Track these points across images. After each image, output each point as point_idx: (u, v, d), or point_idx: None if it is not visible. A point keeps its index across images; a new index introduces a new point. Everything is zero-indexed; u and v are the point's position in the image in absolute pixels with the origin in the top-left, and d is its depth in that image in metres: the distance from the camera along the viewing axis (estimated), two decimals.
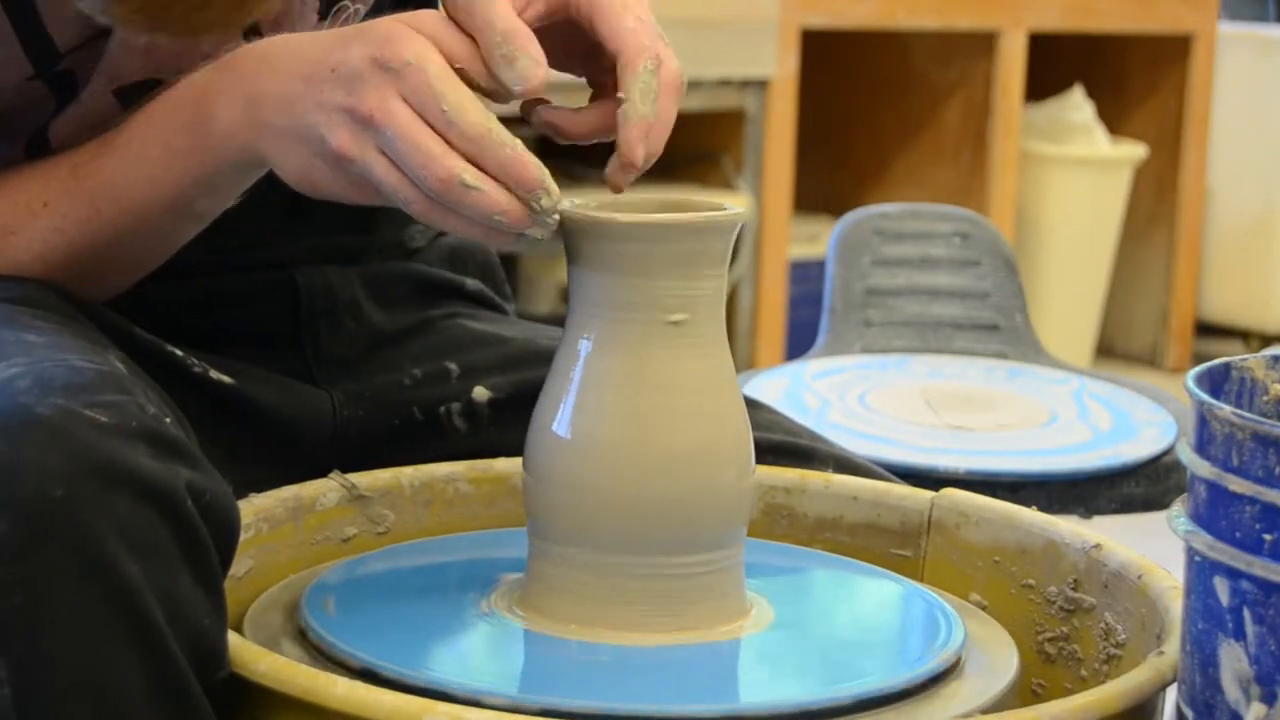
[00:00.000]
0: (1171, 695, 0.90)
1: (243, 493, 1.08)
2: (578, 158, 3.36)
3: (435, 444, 1.19)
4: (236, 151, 1.00)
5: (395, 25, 0.95)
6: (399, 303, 1.24)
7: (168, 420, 0.87)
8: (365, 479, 1.14)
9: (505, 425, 1.20)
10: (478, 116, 0.93)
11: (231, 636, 0.89)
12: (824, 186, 4.02)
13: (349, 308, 1.20)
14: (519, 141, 0.94)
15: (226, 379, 1.13)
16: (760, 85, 3.51)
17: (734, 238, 0.98)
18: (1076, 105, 4.06)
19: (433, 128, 0.93)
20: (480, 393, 1.20)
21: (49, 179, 1.05)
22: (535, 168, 0.94)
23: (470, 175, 0.93)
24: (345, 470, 1.14)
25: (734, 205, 0.98)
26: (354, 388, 1.18)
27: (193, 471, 0.85)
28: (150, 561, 0.82)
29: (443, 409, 1.20)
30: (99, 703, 0.81)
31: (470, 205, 0.93)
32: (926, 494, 1.15)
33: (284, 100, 0.97)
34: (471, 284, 1.30)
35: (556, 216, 0.95)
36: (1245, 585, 0.80)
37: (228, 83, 0.99)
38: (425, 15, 0.96)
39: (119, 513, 0.81)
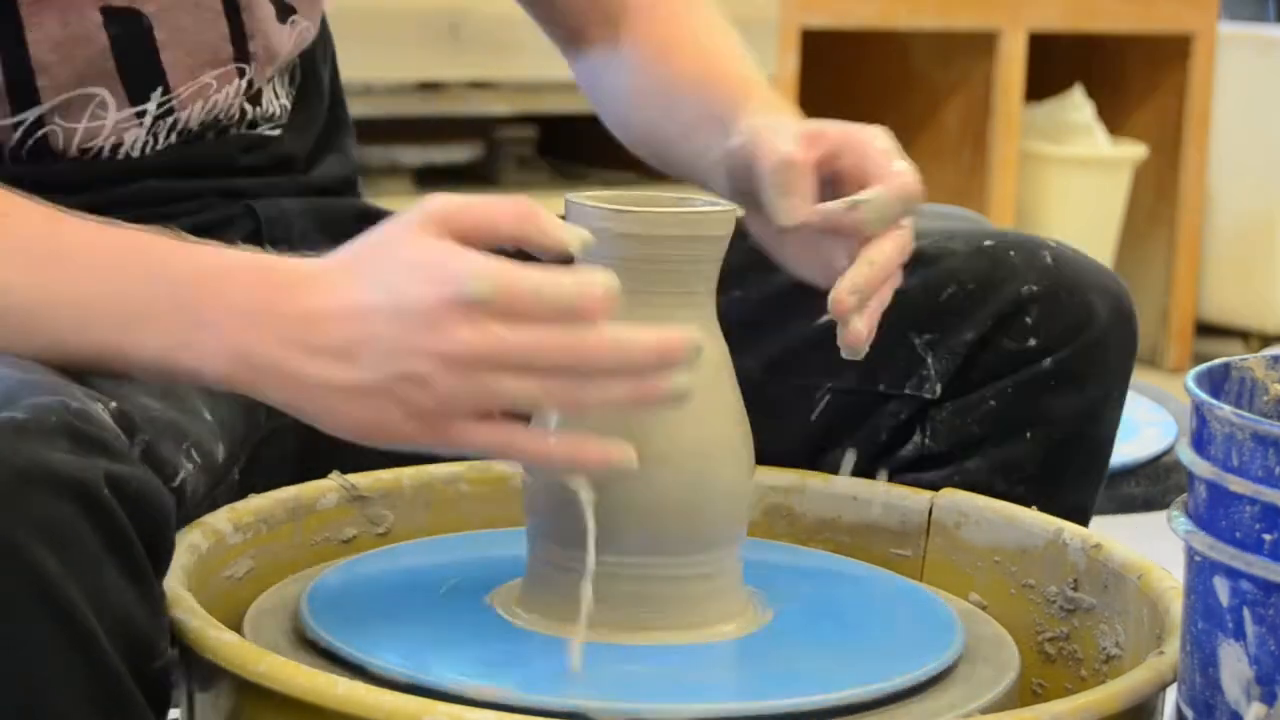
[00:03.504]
0: (1171, 695, 0.90)
1: (246, 412, 1.10)
2: (578, 158, 3.36)
3: None
4: (227, 384, 0.92)
5: (438, 250, 0.88)
6: (346, 236, 1.25)
7: (110, 405, 0.87)
8: (365, 479, 1.14)
9: None
10: (588, 283, 0.87)
11: (231, 636, 0.89)
12: None
13: (301, 238, 1.21)
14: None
15: None
16: None
17: (728, 236, 0.98)
18: (1076, 105, 4.06)
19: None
20: None
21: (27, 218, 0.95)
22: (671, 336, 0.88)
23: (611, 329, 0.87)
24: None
25: (727, 204, 0.98)
26: None
27: (115, 463, 0.84)
28: (69, 553, 0.82)
29: None
30: (26, 693, 0.81)
31: (625, 358, 0.87)
32: (926, 494, 1.15)
33: (362, 349, 0.88)
34: None
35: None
36: (1245, 585, 0.80)
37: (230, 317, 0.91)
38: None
39: (33, 507, 0.81)
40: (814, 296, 1.17)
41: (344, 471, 1.14)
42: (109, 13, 1.12)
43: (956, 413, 1.17)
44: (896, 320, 1.16)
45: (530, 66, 3.05)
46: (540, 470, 0.97)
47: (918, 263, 1.16)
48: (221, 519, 1.04)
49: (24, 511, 0.81)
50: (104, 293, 0.92)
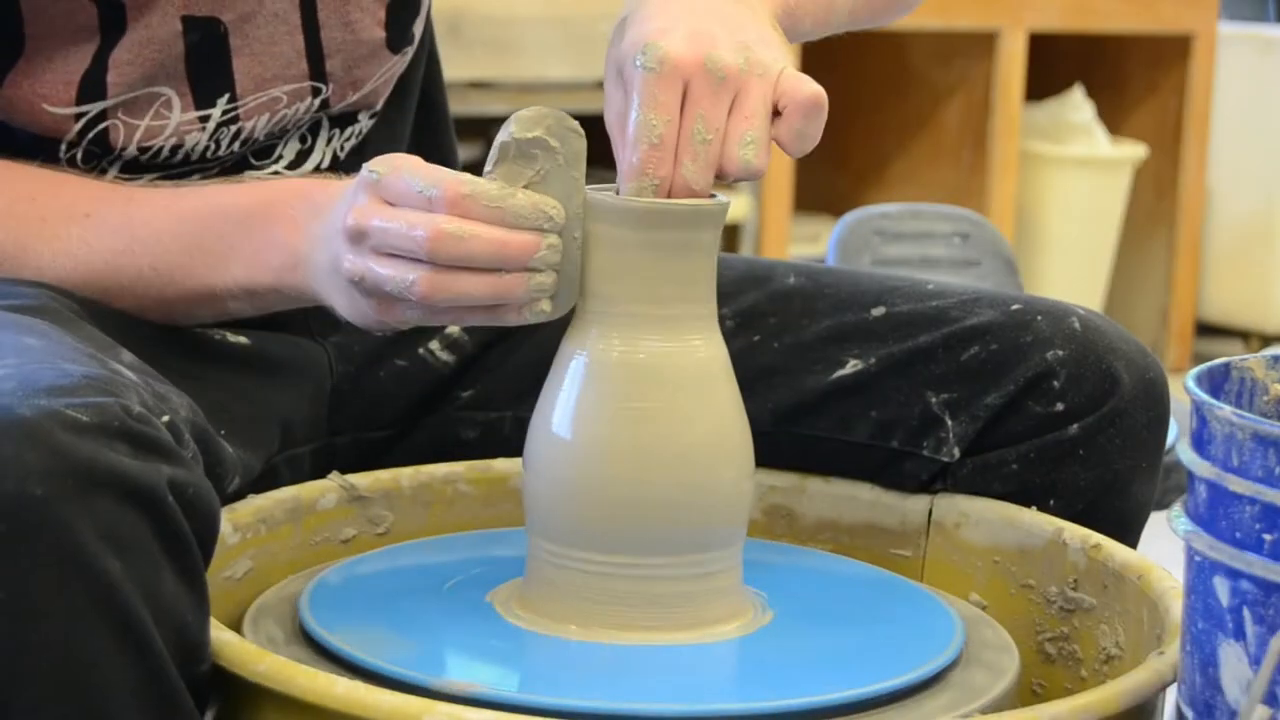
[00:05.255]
0: (1171, 695, 0.90)
1: (269, 429, 1.12)
2: None
3: (423, 381, 1.21)
4: (292, 289, 1.05)
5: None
6: None
7: (162, 418, 0.87)
8: (364, 480, 1.14)
9: (490, 348, 1.22)
10: (455, 182, 0.95)
11: (231, 636, 0.89)
12: (824, 186, 4.02)
13: None
14: (516, 191, 0.95)
15: (243, 339, 1.15)
16: None
17: (720, 229, 0.98)
18: (1076, 105, 4.06)
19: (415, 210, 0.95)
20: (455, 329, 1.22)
21: (99, 194, 1.09)
22: (529, 202, 0.95)
23: (455, 224, 0.93)
24: (355, 431, 1.15)
25: (722, 196, 0.98)
26: (342, 340, 1.20)
27: (175, 468, 0.85)
28: (131, 558, 0.82)
29: (421, 349, 1.21)
30: (83, 698, 0.81)
31: (467, 252, 0.93)
32: (926, 494, 1.15)
33: (320, 239, 1.01)
34: None
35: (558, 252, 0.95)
36: (1245, 585, 0.80)
37: (287, 216, 1.05)
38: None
39: (99, 511, 0.81)
40: (832, 349, 1.16)
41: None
42: (190, 20, 1.12)
43: (978, 471, 1.14)
44: (912, 376, 1.14)
45: (530, 66, 3.05)
46: (539, 469, 0.97)
47: (940, 321, 1.15)
48: (221, 519, 1.04)
49: (89, 512, 0.80)
50: (185, 251, 1.07)
